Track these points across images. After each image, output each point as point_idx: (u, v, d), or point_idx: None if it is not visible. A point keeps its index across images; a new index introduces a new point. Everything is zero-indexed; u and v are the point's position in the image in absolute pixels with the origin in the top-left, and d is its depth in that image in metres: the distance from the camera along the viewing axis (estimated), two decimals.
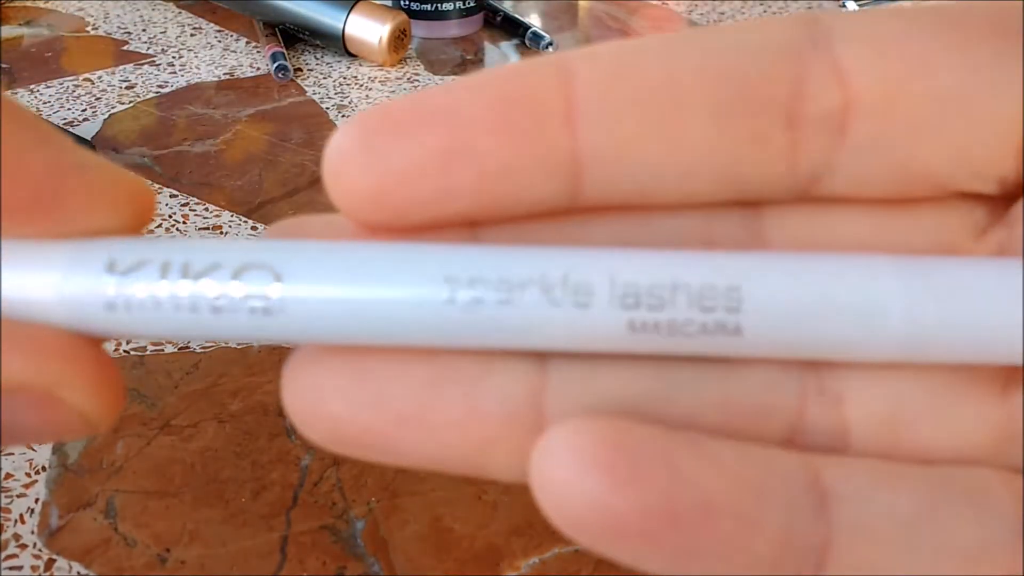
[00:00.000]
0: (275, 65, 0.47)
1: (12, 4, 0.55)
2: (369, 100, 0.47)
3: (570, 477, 0.09)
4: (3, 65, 0.48)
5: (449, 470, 0.11)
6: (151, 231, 0.36)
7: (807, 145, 0.11)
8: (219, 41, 0.51)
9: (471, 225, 0.11)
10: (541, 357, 0.11)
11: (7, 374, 0.10)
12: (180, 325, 0.11)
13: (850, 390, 0.11)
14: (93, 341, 0.11)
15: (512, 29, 0.55)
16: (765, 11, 0.65)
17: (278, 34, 0.50)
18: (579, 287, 0.10)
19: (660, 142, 0.10)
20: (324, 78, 0.48)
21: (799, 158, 0.11)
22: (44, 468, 0.25)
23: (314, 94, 0.46)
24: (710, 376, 0.11)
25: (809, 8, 0.65)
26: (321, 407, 0.11)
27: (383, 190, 0.10)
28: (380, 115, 0.10)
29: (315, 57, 0.51)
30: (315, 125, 0.43)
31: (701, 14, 0.64)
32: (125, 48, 0.50)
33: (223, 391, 0.28)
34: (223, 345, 0.30)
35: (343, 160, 0.10)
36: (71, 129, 0.42)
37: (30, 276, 0.10)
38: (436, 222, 0.11)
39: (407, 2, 0.53)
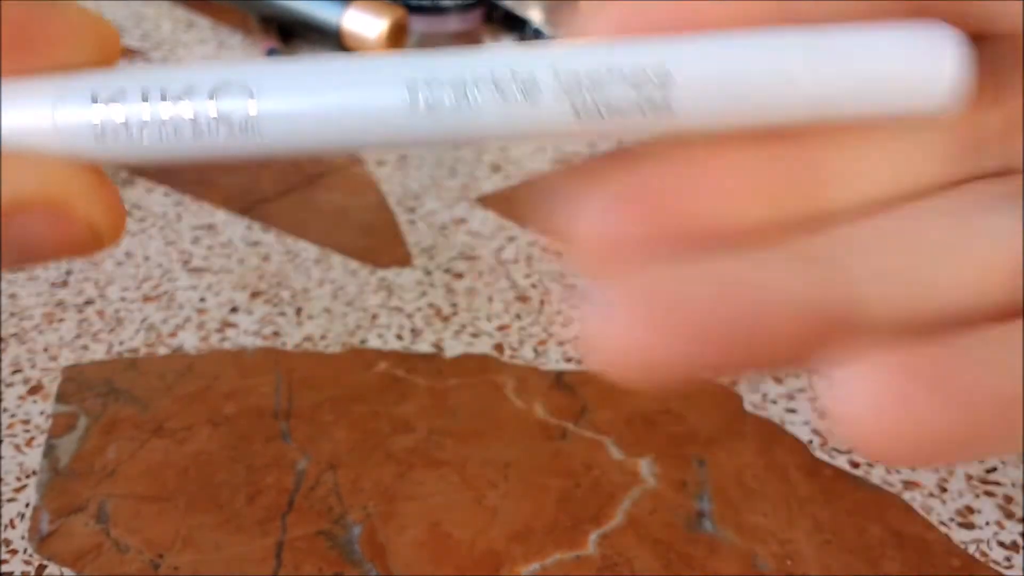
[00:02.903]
0: None
1: None
2: None
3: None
4: None
5: None
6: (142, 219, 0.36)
7: None
8: (214, 36, 0.51)
9: None
10: None
11: (19, 187, 0.11)
12: (164, 147, 0.12)
13: None
14: (92, 165, 0.12)
15: (512, 24, 0.54)
16: None
17: (274, 29, 0.50)
18: (527, 82, 0.11)
19: None
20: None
21: None
22: (35, 472, 0.25)
23: None
24: None
25: None
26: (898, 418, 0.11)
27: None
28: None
29: (312, 53, 0.50)
30: None
31: None
32: None
33: (217, 393, 0.28)
34: (216, 347, 0.30)
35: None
36: None
37: (23, 111, 0.11)
38: None
39: None
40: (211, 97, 0.11)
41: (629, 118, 0.11)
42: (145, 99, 0.11)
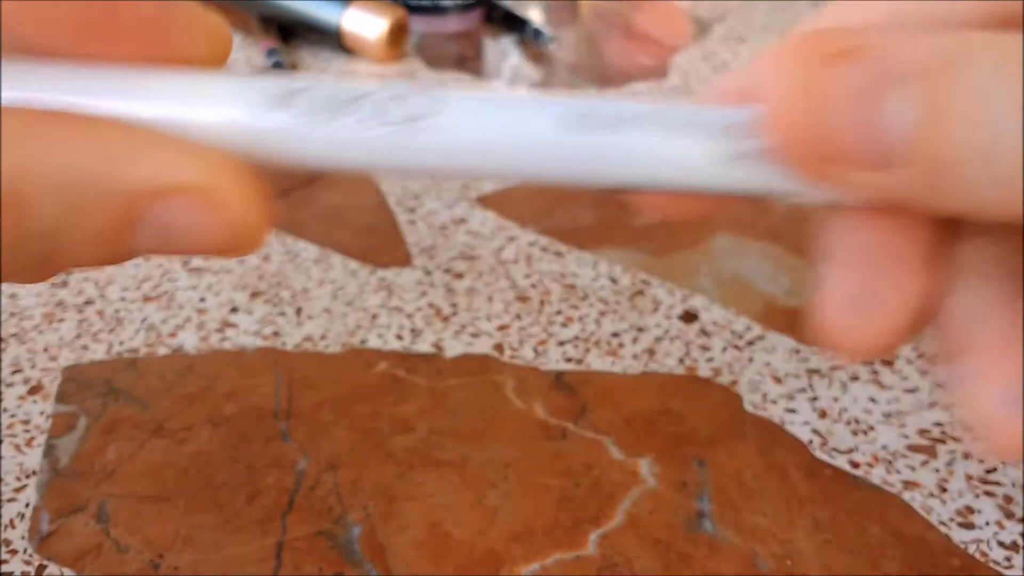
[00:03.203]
0: (271, 61, 0.46)
1: None
2: None
3: None
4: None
5: None
6: None
7: None
8: None
9: None
10: None
11: (172, 172, 0.11)
12: (333, 155, 0.12)
13: None
14: (250, 166, 0.12)
15: (512, 24, 0.54)
16: (769, 7, 0.65)
17: (274, 29, 0.50)
18: (676, 126, 0.12)
19: None
20: (321, 74, 0.48)
21: None
22: (34, 472, 0.25)
23: None
24: None
25: (814, 7, 0.65)
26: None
27: None
28: None
29: (311, 53, 0.50)
30: None
31: (706, 10, 0.63)
32: None
33: (217, 394, 0.28)
34: (216, 347, 0.30)
35: None
36: None
37: (196, 107, 0.12)
38: None
39: None
40: (385, 110, 0.12)
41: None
42: (322, 108, 0.12)
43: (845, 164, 0.11)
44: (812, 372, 0.29)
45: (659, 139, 0.12)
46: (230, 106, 0.12)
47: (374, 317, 0.31)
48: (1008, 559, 0.23)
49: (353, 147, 0.12)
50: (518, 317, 0.31)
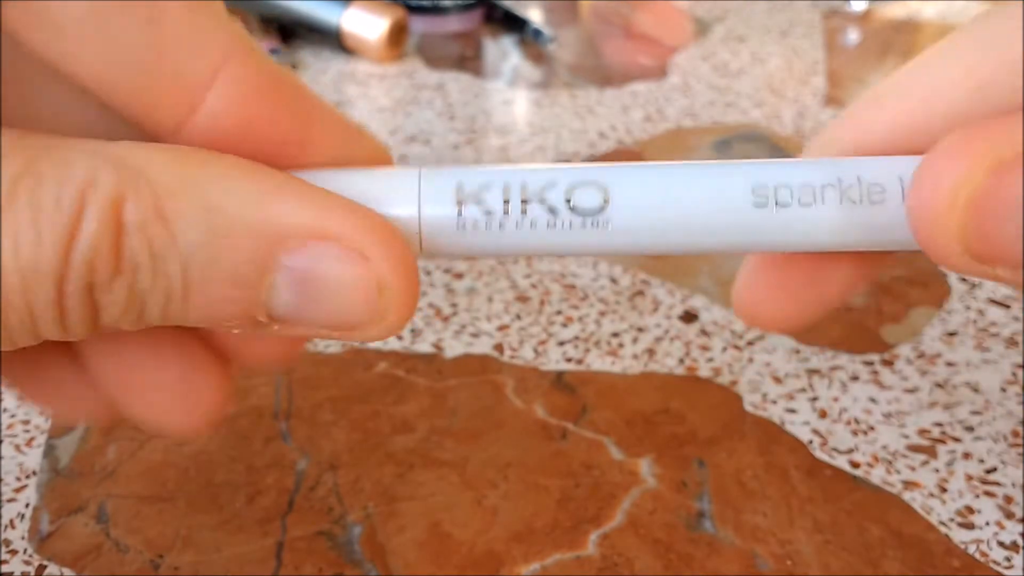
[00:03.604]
0: None
1: None
2: (367, 97, 0.46)
3: None
4: None
5: None
6: None
7: None
8: None
9: None
10: None
11: (321, 217, 0.11)
12: (516, 242, 0.12)
13: None
14: (412, 245, 0.12)
15: (512, 24, 0.54)
16: (769, 7, 0.65)
17: (274, 29, 0.50)
18: (871, 187, 0.12)
19: None
20: (321, 74, 0.48)
21: None
22: (34, 472, 0.25)
23: None
24: None
25: (814, 7, 0.65)
26: None
27: None
28: None
29: (311, 53, 0.50)
30: None
31: (706, 10, 0.63)
32: None
33: None
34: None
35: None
36: None
37: (381, 204, 0.12)
38: None
39: None
40: (568, 196, 0.12)
41: None
42: (507, 196, 0.12)
43: (999, 265, 0.11)
44: (812, 372, 0.29)
45: (840, 212, 0.12)
46: (424, 205, 0.12)
47: None
48: (1008, 559, 0.23)
49: (538, 243, 0.12)
50: (518, 317, 0.31)
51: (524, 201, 0.12)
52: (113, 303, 0.11)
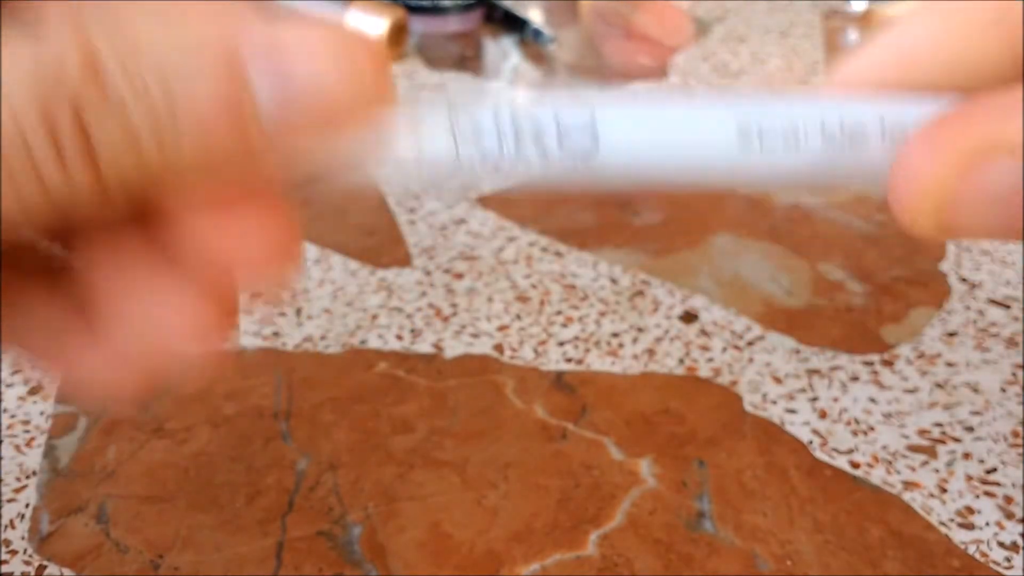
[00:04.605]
0: None
1: None
2: None
3: None
4: None
5: None
6: None
7: None
8: None
9: None
10: None
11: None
12: (504, 172, 0.12)
13: None
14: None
15: (512, 25, 0.54)
16: (769, 7, 0.65)
17: None
18: (853, 128, 0.12)
19: None
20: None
21: None
22: (35, 473, 0.25)
23: None
24: None
25: (814, 7, 0.65)
26: None
27: None
28: None
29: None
30: None
31: (706, 10, 0.63)
32: None
33: (217, 394, 0.28)
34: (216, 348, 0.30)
35: None
36: None
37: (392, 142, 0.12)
38: None
39: None
40: (558, 129, 0.12)
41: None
42: (499, 130, 0.12)
43: (967, 235, 0.12)
44: (812, 372, 0.29)
45: (823, 152, 0.12)
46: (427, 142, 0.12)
47: (374, 317, 0.31)
48: (1008, 559, 0.23)
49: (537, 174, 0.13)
50: (518, 317, 0.31)
51: (518, 141, 0.12)
52: (107, 137, 0.11)
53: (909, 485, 0.25)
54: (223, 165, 0.12)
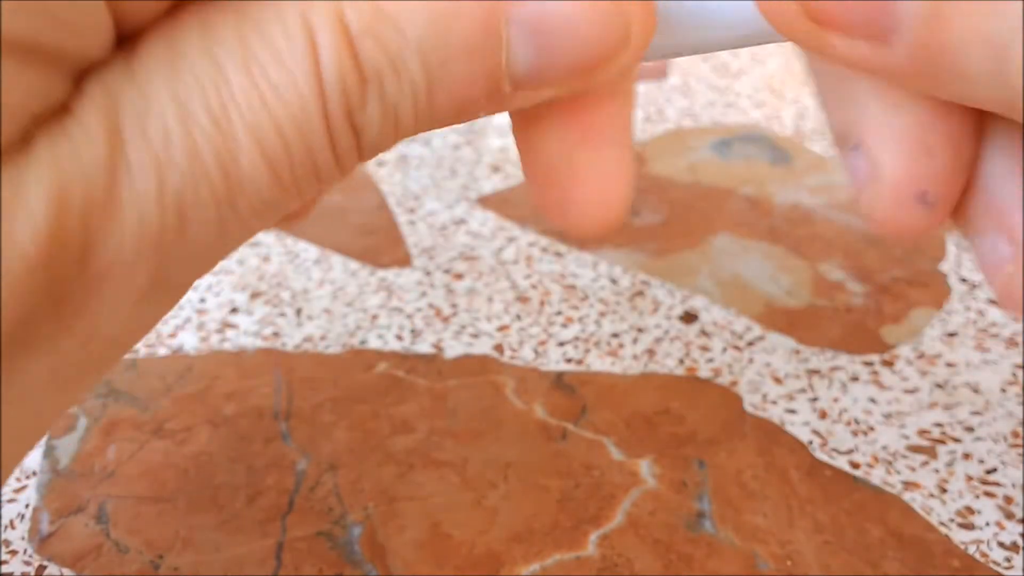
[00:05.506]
0: None
1: None
2: None
3: None
4: None
5: None
6: None
7: None
8: None
9: None
10: None
11: None
12: None
13: None
14: None
15: None
16: None
17: None
18: None
19: None
20: None
21: None
22: (34, 473, 0.25)
23: None
24: None
25: None
26: None
27: None
28: None
29: None
30: None
31: None
32: None
33: (217, 394, 0.28)
34: (216, 348, 0.30)
35: None
36: None
37: None
38: None
39: None
40: None
41: None
42: None
43: (836, 31, 0.11)
44: (812, 372, 0.29)
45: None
46: None
47: (374, 317, 0.31)
48: (1008, 560, 0.23)
49: None
50: (518, 317, 0.31)
51: None
52: (370, 121, 0.11)
53: (909, 485, 0.25)
54: (471, 118, 0.12)
